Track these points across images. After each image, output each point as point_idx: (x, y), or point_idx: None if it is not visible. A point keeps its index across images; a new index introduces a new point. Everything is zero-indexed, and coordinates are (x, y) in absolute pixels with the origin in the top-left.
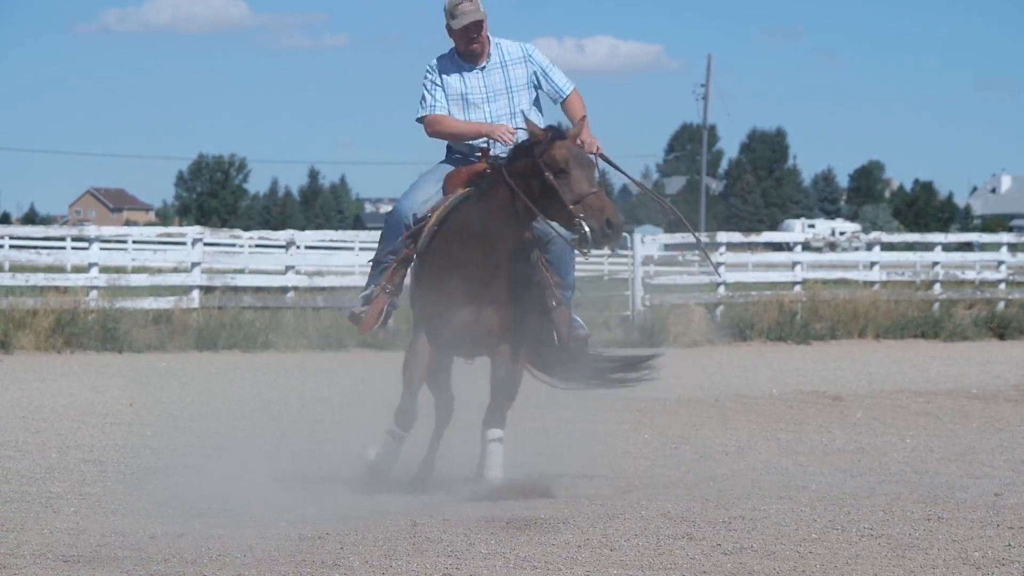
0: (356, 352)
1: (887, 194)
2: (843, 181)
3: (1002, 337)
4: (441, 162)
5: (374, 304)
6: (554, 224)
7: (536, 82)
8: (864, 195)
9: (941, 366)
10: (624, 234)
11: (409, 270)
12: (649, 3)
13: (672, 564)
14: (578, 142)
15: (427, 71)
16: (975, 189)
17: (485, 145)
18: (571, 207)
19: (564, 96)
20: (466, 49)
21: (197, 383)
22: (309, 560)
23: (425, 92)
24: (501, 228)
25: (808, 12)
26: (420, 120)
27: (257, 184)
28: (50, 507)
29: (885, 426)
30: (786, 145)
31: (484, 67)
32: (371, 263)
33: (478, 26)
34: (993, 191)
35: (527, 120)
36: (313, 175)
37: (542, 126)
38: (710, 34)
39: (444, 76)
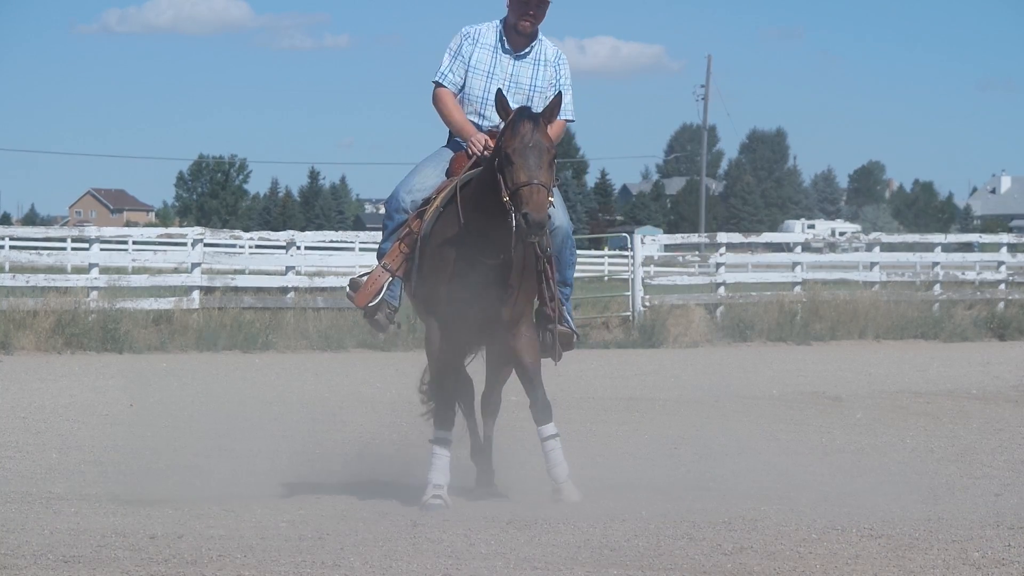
0: (356, 352)
1: (887, 195)
2: (843, 182)
3: (1002, 338)
4: (444, 146)
5: (371, 277)
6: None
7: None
8: (864, 196)
9: (941, 367)
10: (545, 230)
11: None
12: (650, 4)
13: (672, 564)
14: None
15: (461, 34)
16: (975, 190)
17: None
18: (506, 197)
19: (531, 99)
20: (516, 21)
21: (197, 384)
22: (309, 560)
23: (447, 57)
24: (499, 211)
25: (808, 13)
26: (435, 84)
27: (257, 185)
28: (51, 507)
29: (885, 427)
30: (786, 146)
31: (522, 56)
32: (377, 255)
33: (540, 3)
34: (993, 192)
35: (499, 97)
36: (313, 175)
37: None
38: (711, 35)
39: (477, 48)
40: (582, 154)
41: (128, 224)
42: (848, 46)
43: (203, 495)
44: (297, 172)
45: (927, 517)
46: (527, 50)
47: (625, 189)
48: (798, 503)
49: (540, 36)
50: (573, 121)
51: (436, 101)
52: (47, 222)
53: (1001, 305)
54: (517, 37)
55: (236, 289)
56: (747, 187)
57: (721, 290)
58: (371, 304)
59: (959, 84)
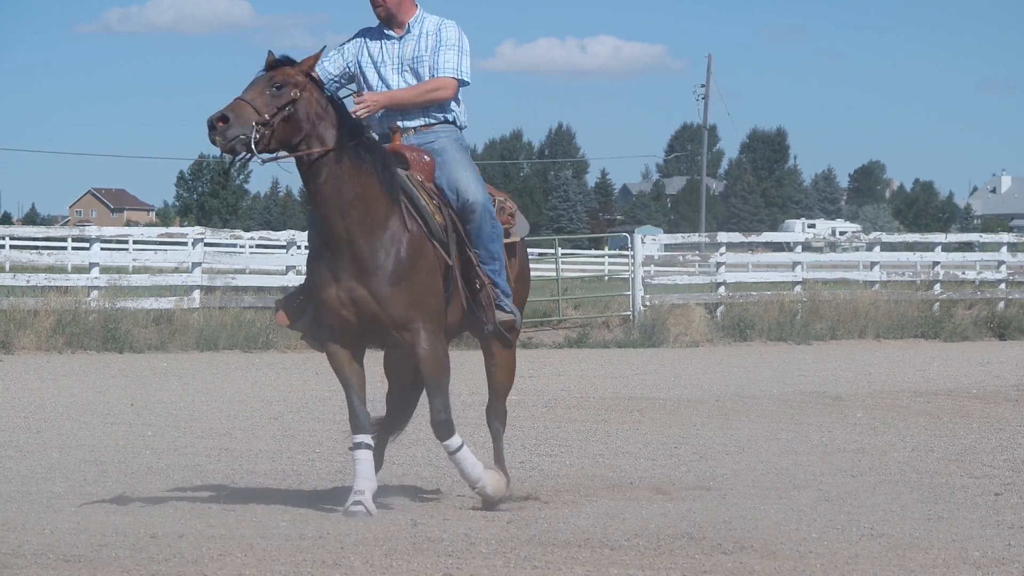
0: None
1: (887, 194)
2: (843, 181)
3: (1002, 337)
4: None
5: (288, 297)
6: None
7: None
8: (864, 195)
9: (941, 366)
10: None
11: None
12: (652, 4)
13: (672, 564)
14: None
15: (354, 34)
16: (975, 189)
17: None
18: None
19: (435, 75)
20: (374, 12)
21: (198, 383)
22: (310, 560)
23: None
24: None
25: (808, 13)
26: None
27: (258, 184)
28: (51, 507)
29: (885, 426)
30: (786, 145)
31: (402, 37)
32: None
33: None
34: (993, 191)
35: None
36: None
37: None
38: (712, 34)
39: (366, 43)
40: (582, 154)
41: (128, 224)
42: (848, 46)
43: (204, 494)
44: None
45: (927, 516)
46: (407, 30)
47: (625, 189)
48: (798, 502)
49: (423, 15)
50: (466, 83)
51: None
52: (48, 222)
53: (1001, 305)
54: (394, 24)
55: (237, 288)
56: (747, 187)
57: (721, 290)
58: (294, 326)
59: (960, 84)
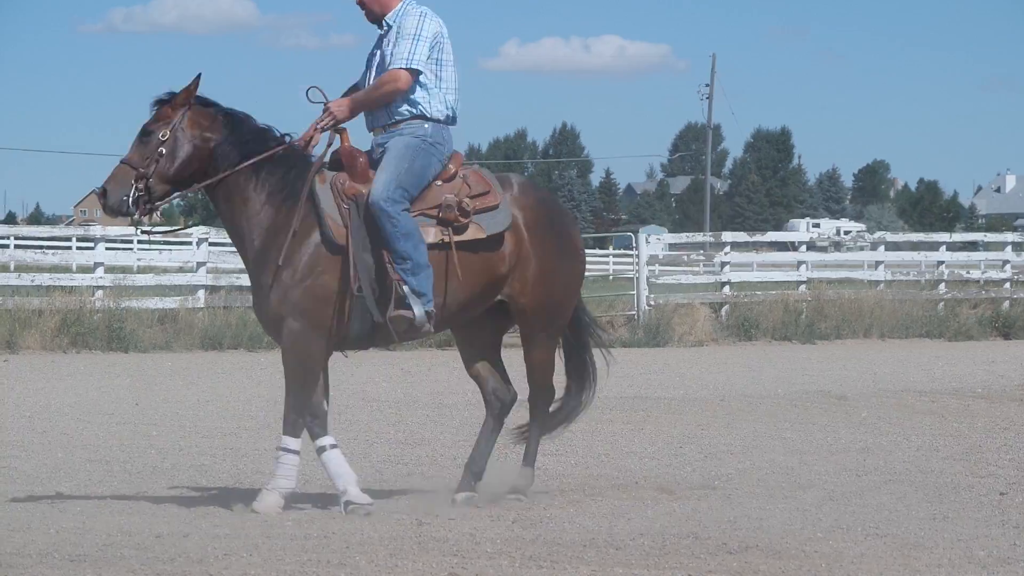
0: (360, 352)
1: (892, 193)
2: (848, 180)
3: (1007, 336)
4: None
5: None
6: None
7: None
8: (869, 194)
9: (946, 365)
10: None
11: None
12: (656, 3)
13: (677, 563)
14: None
15: None
16: (980, 188)
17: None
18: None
19: (386, 68)
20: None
21: (202, 383)
22: (315, 559)
23: None
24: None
25: (813, 12)
26: None
27: None
28: (56, 506)
29: (890, 425)
30: (791, 145)
31: (384, 33)
32: None
33: None
34: (998, 190)
35: None
36: None
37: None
38: (717, 34)
39: (373, 47)
40: (587, 153)
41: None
42: (853, 45)
43: (209, 494)
44: None
45: (932, 516)
46: (387, 28)
47: (630, 188)
48: (803, 502)
49: (404, 8)
50: (418, 72)
51: None
52: (52, 221)
53: (1006, 304)
54: (379, 23)
55: (241, 288)
56: (752, 186)
57: (726, 289)
58: None
59: (964, 83)
